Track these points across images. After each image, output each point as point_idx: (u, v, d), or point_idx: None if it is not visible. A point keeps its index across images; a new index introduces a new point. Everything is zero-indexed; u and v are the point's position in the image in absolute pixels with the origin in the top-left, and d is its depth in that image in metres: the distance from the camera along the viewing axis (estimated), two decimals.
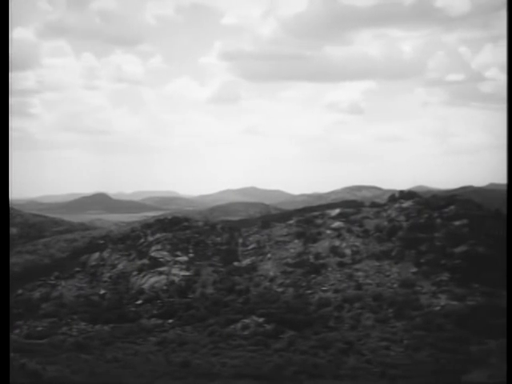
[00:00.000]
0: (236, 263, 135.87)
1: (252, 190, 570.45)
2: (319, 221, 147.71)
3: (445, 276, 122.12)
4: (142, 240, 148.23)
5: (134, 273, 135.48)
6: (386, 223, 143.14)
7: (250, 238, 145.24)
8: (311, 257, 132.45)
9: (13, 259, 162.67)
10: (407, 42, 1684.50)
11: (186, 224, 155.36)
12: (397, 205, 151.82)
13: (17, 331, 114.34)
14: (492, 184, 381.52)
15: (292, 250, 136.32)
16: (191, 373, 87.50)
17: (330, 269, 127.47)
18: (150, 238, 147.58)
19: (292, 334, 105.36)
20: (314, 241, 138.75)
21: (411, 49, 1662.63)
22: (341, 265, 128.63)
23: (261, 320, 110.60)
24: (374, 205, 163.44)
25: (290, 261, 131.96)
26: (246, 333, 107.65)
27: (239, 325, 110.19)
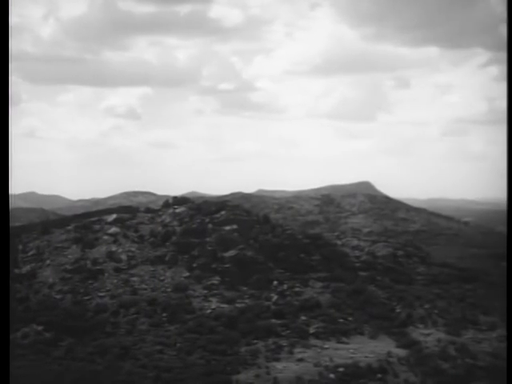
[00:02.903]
0: (16, 270, 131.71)
1: (32, 195, 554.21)
2: (97, 226, 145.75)
3: (216, 280, 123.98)
4: None
5: None
6: (160, 228, 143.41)
7: (30, 245, 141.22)
8: (89, 262, 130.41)
9: None
10: (182, 50, 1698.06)
11: None
12: (170, 210, 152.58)
13: None
14: (260, 190, 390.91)
15: (70, 256, 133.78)
16: None
17: (106, 274, 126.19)
18: None
19: (71, 341, 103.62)
20: (92, 246, 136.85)
21: (186, 57, 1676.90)
22: (117, 270, 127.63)
23: (40, 328, 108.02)
24: (148, 210, 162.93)
25: (68, 267, 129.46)
26: (26, 341, 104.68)
27: (19, 334, 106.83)
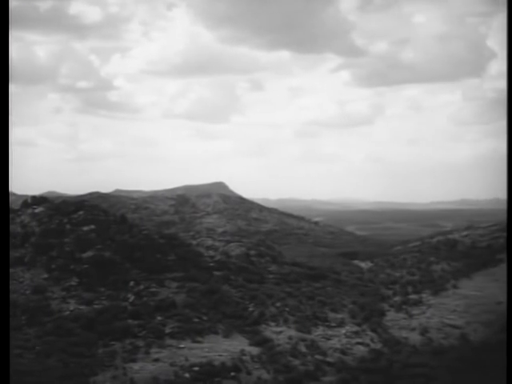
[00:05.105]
0: None
1: None
2: None
3: (74, 281, 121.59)
4: None
5: None
6: (19, 229, 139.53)
7: None
8: None
9: None
10: (42, 46, 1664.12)
11: None
12: (29, 210, 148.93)
13: None
14: (117, 190, 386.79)
15: None
16: None
17: None
18: None
19: None
20: None
21: (46, 54, 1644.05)
22: None
23: None
24: None
25: None
26: None
27: None
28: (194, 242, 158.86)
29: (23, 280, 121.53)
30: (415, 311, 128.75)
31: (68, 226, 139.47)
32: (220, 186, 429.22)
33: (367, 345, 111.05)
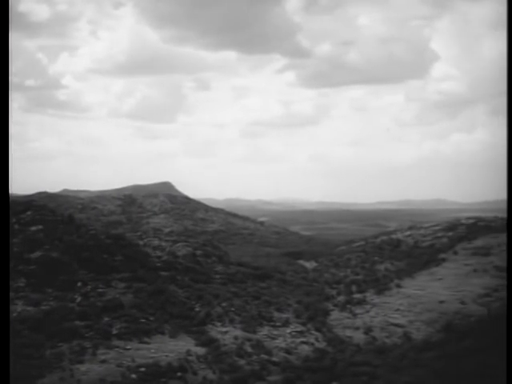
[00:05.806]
0: None
1: None
2: None
3: (21, 282, 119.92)
4: None
5: None
6: None
7: None
8: None
9: None
10: None
11: None
12: None
13: None
14: (65, 190, 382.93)
15: None
16: None
17: None
18: None
19: None
20: None
21: None
22: None
23: None
24: None
25: None
26: None
27: None
28: (141, 243, 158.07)
29: None
30: (359, 310, 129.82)
31: (16, 226, 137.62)
32: (166, 185, 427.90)
33: (312, 344, 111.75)
